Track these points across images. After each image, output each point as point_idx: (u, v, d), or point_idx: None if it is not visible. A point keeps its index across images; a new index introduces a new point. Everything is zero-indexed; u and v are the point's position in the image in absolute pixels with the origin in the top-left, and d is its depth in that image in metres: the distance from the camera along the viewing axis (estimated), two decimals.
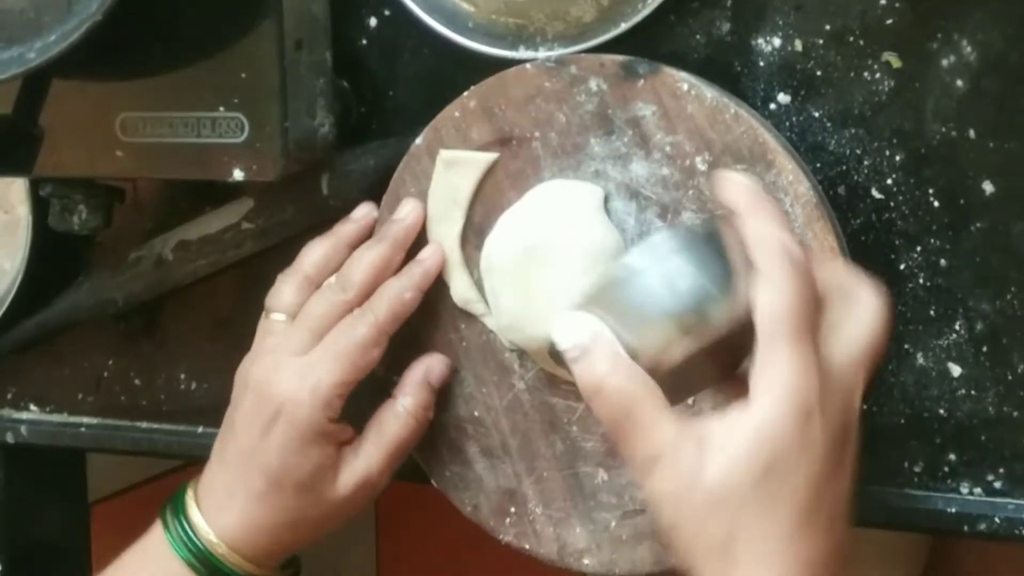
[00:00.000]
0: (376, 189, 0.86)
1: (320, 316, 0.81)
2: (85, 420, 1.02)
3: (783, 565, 0.61)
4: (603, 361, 0.63)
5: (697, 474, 0.61)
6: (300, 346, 0.81)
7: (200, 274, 0.93)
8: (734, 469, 0.61)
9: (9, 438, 1.03)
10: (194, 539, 0.81)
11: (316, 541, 0.84)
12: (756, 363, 0.62)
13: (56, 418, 1.03)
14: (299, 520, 0.81)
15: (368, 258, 0.82)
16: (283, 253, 0.90)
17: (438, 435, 0.85)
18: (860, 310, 0.66)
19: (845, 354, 0.64)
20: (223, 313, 0.97)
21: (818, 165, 0.79)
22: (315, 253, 0.84)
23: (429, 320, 0.85)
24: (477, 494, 0.85)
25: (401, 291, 0.81)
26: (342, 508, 0.82)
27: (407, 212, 0.83)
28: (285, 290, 0.83)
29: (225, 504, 0.81)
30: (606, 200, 0.79)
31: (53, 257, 0.97)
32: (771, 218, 0.65)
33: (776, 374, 0.61)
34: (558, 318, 0.65)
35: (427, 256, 0.83)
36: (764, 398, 0.61)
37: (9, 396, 1.04)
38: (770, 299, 0.62)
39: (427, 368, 0.84)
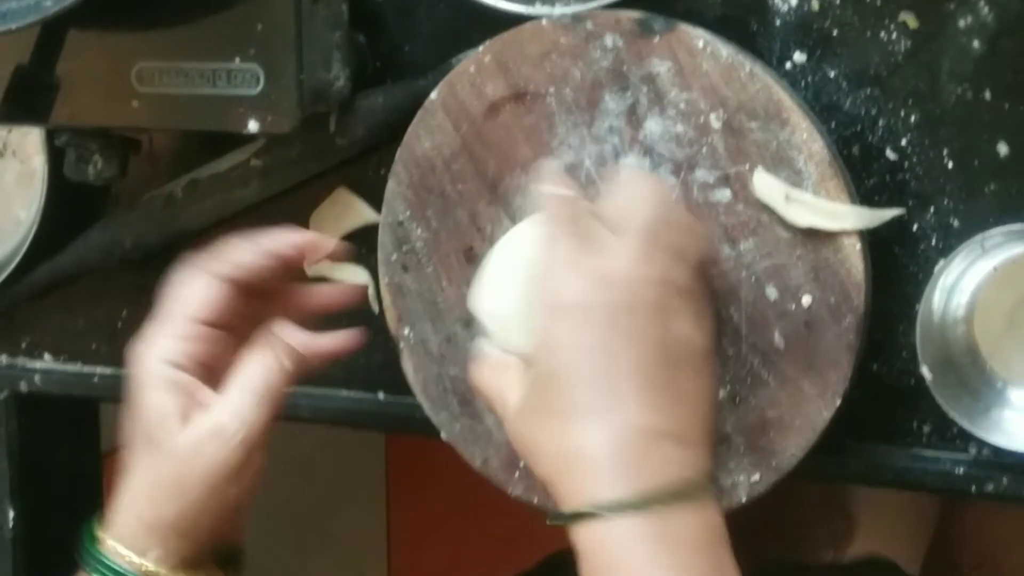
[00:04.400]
0: (383, 128, 0.86)
1: None
2: (99, 370, 1.03)
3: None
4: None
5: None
6: None
7: (207, 216, 0.93)
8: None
9: (23, 387, 1.04)
10: (87, 549, 0.79)
11: (203, 510, 0.77)
12: None
13: (70, 367, 1.04)
14: (160, 480, 0.77)
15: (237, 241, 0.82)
16: (290, 201, 0.90)
17: (448, 389, 0.85)
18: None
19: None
20: None
21: (833, 125, 0.79)
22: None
23: None
24: (487, 448, 0.85)
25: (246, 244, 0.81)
26: (198, 462, 0.76)
27: (291, 232, 0.82)
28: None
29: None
30: (618, 156, 0.79)
31: (68, 207, 0.97)
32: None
33: None
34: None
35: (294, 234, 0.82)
36: None
37: (23, 345, 1.05)
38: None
39: None
